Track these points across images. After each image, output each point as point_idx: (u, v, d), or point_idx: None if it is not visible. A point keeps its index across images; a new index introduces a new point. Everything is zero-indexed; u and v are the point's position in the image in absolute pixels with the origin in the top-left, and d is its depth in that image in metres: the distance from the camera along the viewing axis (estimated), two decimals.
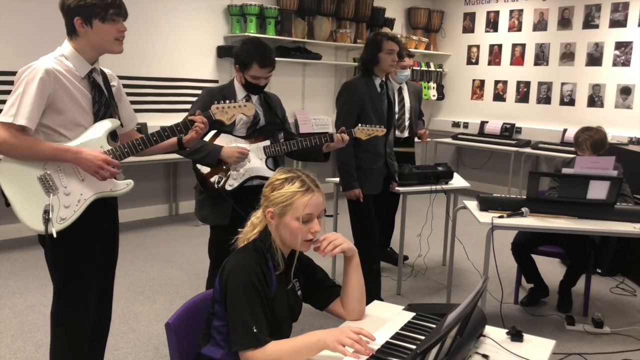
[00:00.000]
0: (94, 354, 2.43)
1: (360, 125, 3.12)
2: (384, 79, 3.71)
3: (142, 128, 5.46)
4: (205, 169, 2.92)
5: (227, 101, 2.49)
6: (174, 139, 2.40)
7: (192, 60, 6.14)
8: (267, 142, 2.98)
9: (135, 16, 5.57)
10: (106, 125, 2.19)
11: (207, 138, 2.91)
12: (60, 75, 2.07)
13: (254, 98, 3.02)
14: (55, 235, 2.04)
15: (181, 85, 6.03)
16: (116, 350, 3.18)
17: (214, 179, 2.90)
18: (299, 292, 1.89)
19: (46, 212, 2.04)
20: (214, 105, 2.47)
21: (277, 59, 7.20)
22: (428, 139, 4.91)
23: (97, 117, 2.18)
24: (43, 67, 2.04)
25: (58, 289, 2.21)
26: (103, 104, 2.20)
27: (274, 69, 2.95)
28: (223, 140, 2.91)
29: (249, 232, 1.86)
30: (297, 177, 1.78)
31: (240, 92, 2.99)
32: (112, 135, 2.23)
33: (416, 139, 4.80)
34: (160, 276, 4.35)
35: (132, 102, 6.25)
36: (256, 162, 2.93)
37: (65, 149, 2.07)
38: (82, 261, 2.19)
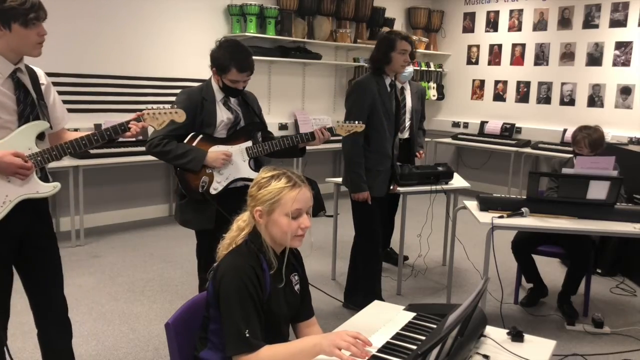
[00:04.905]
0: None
1: (338, 121, 3.09)
2: (393, 78, 3.64)
3: None
4: (188, 174, 2.88)
5: (161, 107, 2.42)
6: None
7: (191, 60, 6.13)
8: (249, 143, 2.94)
9: (134, 16, 5.61)
10: (34, 127, 2.16)
11: (186, 141, 2.87)
12: None
13: (233, 99, 2.98)
14: None
15: (181, 86, 6.01)
16: (116, 351, 3.18)
17: (198, 183, 2.87)
18: (297, 287, 1.88)
19: None
20: (145, 110, 2.39)
21: (277, 59, 7.19)
22: (427, 139, 4.88)
23: (22, 117, 2.15)
24: None
25: None
26: (29, 103, 2.16)
27: (252, 72, 2.90)
28: (203, 143, 2.87)
29: (235, 237, 1.83)
30: (283, 173, 1.78)
31: (218, 94, 2.95)
32: (40, 136, 2.20)
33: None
34: (160, 276, 4.34)
35: (132, 102, 6.18)
36: (239, 163, 2.91)
37: None
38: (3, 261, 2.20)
